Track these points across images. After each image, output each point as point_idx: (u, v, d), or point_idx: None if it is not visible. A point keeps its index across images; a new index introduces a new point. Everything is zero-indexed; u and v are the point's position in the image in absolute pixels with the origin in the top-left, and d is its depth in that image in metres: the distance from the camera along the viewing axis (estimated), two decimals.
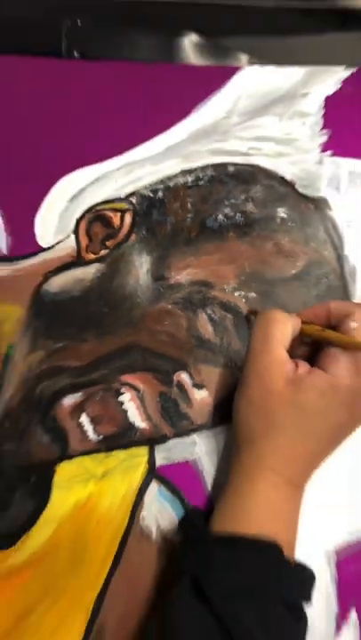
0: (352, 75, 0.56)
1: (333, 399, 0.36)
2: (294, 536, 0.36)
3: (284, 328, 0.38)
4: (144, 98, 0.56)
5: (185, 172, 0.52)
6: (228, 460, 0.40)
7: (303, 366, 0.38)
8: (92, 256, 0.49)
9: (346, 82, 0.56)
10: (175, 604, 0.34)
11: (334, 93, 0.56)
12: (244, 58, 0.58)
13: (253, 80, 0.56)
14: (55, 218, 0.50)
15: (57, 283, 0.48)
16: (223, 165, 0.52)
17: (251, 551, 0.34)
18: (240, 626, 0.31)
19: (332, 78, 0.56)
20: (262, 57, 0.58)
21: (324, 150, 0.53)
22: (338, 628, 0.39)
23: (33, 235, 0.50)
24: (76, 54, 0.59)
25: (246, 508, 0.36)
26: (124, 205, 0.50)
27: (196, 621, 0.32)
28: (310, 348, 0.40)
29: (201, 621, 0.32)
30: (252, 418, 0.37)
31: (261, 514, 0.35)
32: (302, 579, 0.35)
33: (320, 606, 0.39)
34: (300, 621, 0.34)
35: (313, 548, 0.40)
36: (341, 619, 0.39)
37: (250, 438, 0.37)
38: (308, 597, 0.35)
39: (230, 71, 0.57)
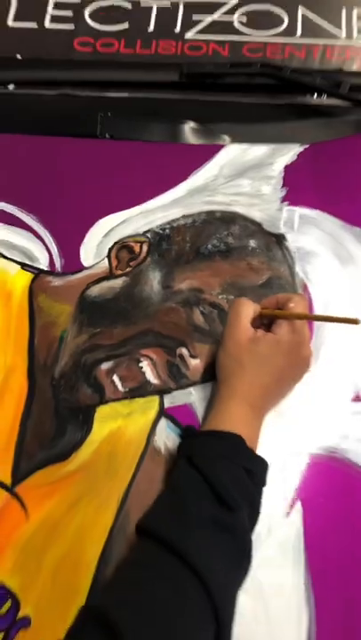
0: (304, 150, 0.79)
1: (278, 349, 0.56)
2: (255, 439, 0.56)
3: (248, 308, 0.59)
4: (156, 166, 0.79)
5: (185, 217, 0.74)
6: (212, 399, 0.60)
7: (260, 331, 0.58)
8: (120, 272, 0.70)
9: (299, 155, 0.79)
10: (174, 473, 0.53)
11: (291, 163, 0.78)
12: (227, 138, 0.82)
13: (233, 154, 0.79)
14: (94, 247, 0.72)
15: (95, 290, 0.69)
16: (212, 212, 0.74)
17: (224, 438, 0.53)
18: (218, 479, 0.50)
19: (290, 152, 0.79)
20: (240, 138, 0.82)
21: (282, 201, 0.75)
22: (289, 508, 0.57)
23: (79, 258, 0.71)
24: (107, 136, 0.83)
25: (221, 419, 0.55)
26: (143, 239, 0.72)
27: (188, 479, 0.51)
28: (267, 325, 0.61)
29: (191, 479, 0.51)
30: (227, 363, 0.57)
31: (232, 422, 0.55)
32: (259, 460, 0.54)
33: (278, 494, 0.57)
34: (258, 485, 0.52)
35: (274, 456, 0.58)
36: (291, 506, 0.58)
37: (226, 377, 0.57)
38: (263, 474, 0.54)
39: (217, 148, 0.80)
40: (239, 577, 0.48)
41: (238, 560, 0.48)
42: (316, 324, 0.65)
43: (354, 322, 0.57)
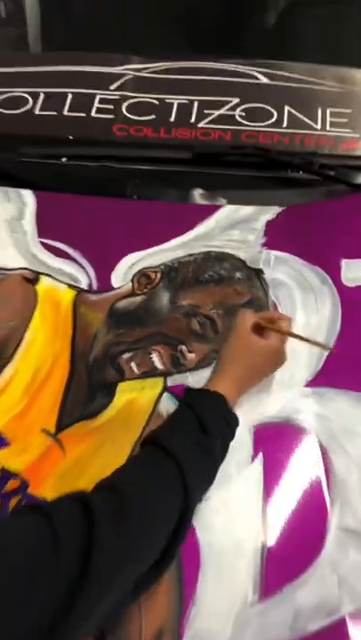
0: (282, 210, 1.06)
1: (266, 351, 0.80)
2: (234, 405, 0.78)
3: (250, 318, 0.82)
4: (170, 219, 1.06)
5: (190, 255, 1.00)
6: (204, 382, 0.83)
7: (255, 336, 0.82)
8: (139, 292, 0.96)
9: (278, 214, 1.06)
10: (174, 412, 0.76)
11: (272, 219, 1.05)
12: (224, 201, 1.09)
13: (228, 212, 1.06)
14: (122, 274, 0.98)
15: (122, 304, 0.94)
16: (209, 252, 1.00)
17: (214, 395, 0.75)
18: (205, 417, 0.71)
19: (271, 211, 1.06)
20: (235, 201, 1.09)
21: (262, 246, 1.01)
22: (252, 460, 0.79)
23: (110, 282, 0.97)
24: (134, 197, 1.11)
25: (214, 386, 0.78)
26: (157, 269, 0.98)
27: (183, 415, 0.73)
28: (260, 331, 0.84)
29: (186, 415, 0.72)
30: (228, 352, 0.80)
31: (221, 389, 0.77)
32: (234, 416, 0.76)
33: (245, 448, 0.80)
34: (232, 432, 0.75)
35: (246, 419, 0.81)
36: (254, 456, 0.80)
37: (223, 362, 0.80)
38: (235, 426, 0.76)
39: (216, 207, 1.07)
40: (208, 481, 0.70)
41: (210, 471, 0.70)
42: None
43: (325, 348, 0.81)
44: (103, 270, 0.99)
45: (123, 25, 1.50)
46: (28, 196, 1.10)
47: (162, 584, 0.68)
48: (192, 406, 0.73)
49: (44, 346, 0.90)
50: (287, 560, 0.72)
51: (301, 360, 0.88)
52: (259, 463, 0.79)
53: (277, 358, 0.82)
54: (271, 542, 0.73)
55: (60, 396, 0.86)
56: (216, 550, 0.72)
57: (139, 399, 0.85)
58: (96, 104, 1.25)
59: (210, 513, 0.72)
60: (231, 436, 0.75)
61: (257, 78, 1.27)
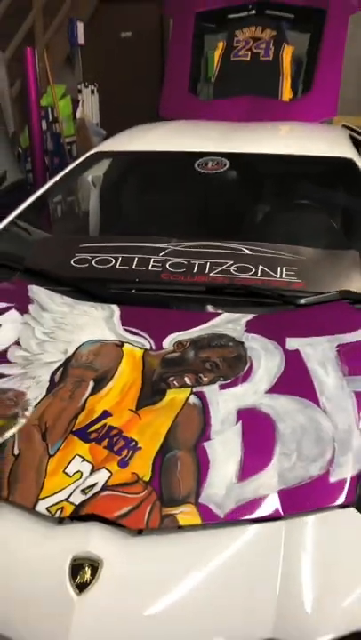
0: (255, 316, 1.93)
1: None
2: None
3: None
4: (194, 319, 1.93)
5: (205, 334, 1.85)
6: (212, 390, 1.64)
7: None
8: (178, 351, 1.80)
9: (254, 317, 1.92)
10: None
11: (250, 319, 1.91)
12: (223, 311, 1.97)
13: (226, 316, 1.94)
14: (169, 342, 1.83)
15: (169, 356, 1.78)
16: (215, 333, 1.85)
17: None
18: None
19: (250, 316, 1.93)
20: (229, 311, 1.97)
21: (244, 332, 1.86)
22: (236, 422, 1.57)
23: (162, 346, 1.82)
24: (174, 308, 1.99)
25: None
26: (188, 340, 1.83)
27: None
28: None
29: None
30: None
31: None
32: None
33: (231, 419, 1.58)
34: None
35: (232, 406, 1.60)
36: (237, 420, 1.57)
37: None
38: None
39: (219, 314, 1.95)
40: None
41: None
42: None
43: None
44: (159, 341, 1.83)
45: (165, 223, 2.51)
46: (115, 307, 1.99)
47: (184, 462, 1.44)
48: None
49: (127, 374, 1.72)
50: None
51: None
52: (240, 423, 1.57)
53: None
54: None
55: (137, 394, 1.66)
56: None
57: (177, 397, 1.65)
58: (152, 262, 2.19)
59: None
60: None
61: (243, 250, 2.22)
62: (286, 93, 3.85)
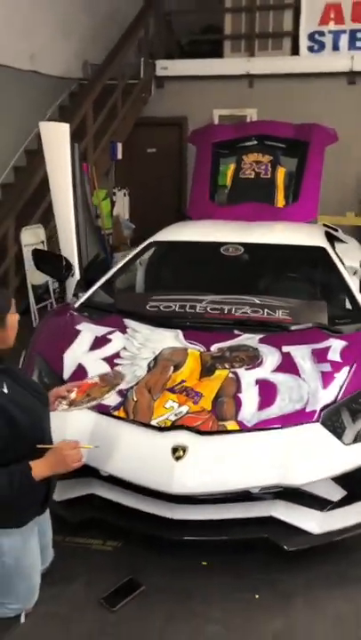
0: (265, 335, 3.26)
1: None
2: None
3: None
4: (225, 337, 3.25)
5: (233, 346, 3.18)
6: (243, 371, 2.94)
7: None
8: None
9: (264, 336, 3.25)
10: None
11: (261, 337, 3.24)
12: (242, 333, 3.29)
13: (246, 335, 3.26)
14: (213, 349, 3.15)
15: (213, 352, 3.10)
16: (241, 344, 3.18)
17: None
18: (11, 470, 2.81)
19: (261, 335, 3.25)
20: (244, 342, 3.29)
21: (259, 343, 3.18)
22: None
23: (210, 350, 3.14)
24: (214, 331, 3.32)
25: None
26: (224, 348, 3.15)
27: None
28: None
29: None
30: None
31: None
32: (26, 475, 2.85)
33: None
34: None
35: None
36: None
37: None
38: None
39: (240, 334, 3.27)
40: None
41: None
42: None
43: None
44: (208, 347, 3.14)
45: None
46: (179, 331, 3.31)
47: None
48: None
49: (192, 364, 3.02)
50: None
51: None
52: (257, 387, 2.86)
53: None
54: None
55: (198, 373, 2.95)
56: None
57: (222, 373, 2.94)
58: (198, 307, 3.53)
59: None
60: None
61: (254, 301, 3.56)
62: (280, 202, 5.30)
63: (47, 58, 7.45)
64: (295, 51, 7.82)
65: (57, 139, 4.35)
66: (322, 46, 7.67)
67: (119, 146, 7.56)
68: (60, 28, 7.69)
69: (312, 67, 7.66)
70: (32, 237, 6.04)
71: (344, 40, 7.56)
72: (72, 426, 2.64)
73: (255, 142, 5.83)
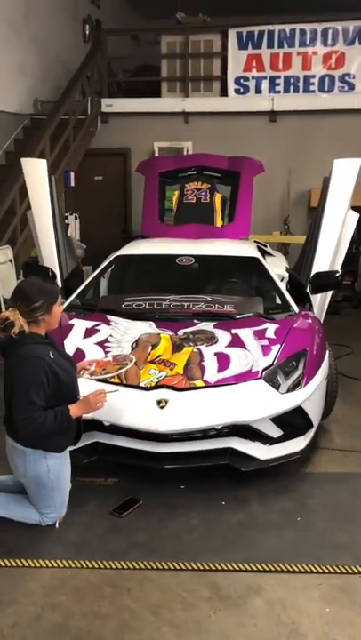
0: (217, 322, 4.27)
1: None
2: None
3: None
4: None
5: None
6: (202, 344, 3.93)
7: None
8: (182, 337, 4.10)
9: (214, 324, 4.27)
10: None
11: (215, 324, 4.25)
12: (196, 321, 4.29)
13: (202, 324, 4.27)
14: (180, 333, 4.13)
15: (179, 336, 4.07)
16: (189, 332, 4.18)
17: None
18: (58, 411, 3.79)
19: (213, 322, 4.26)
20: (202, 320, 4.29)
21: (213, 327, 4.19)
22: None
23: (178, 334, 4.11)
24: (194, 321, 4.31)
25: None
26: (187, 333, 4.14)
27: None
28: None
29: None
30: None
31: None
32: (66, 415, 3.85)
33: None
34: None
35: None
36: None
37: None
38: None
39: (197, 323, 4.28)
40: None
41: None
42: None
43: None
44: (176, 332, 4.11)
45: None
46: (152, 322, 4.27)
47: None
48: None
49: (165, 344, 3.99)
50: None
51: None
52: (216, 358, 3.86)
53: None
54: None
55: (171, 349, 3.93)
56: None
57: (188, 349, 3.92)
58: (163, 304, 4.50)
59: None
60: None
61: (207, 298, 4.57)
62: (218, 222, 6.36)
63: (2, 96, 8.34)
64: (224, 92, 9.08)
65: (37, 172, 5.28)
66: (246, 89, 8.94)
67: (72, 174, 8.48)
68: (15, 69, 8.61)
69: (239, 106, 8.92)
70: (2, 257, 6.86)
71: (265, 84, 8.86)
72: (86, 390, 3.55)
73: (195, 172, 6.90)
